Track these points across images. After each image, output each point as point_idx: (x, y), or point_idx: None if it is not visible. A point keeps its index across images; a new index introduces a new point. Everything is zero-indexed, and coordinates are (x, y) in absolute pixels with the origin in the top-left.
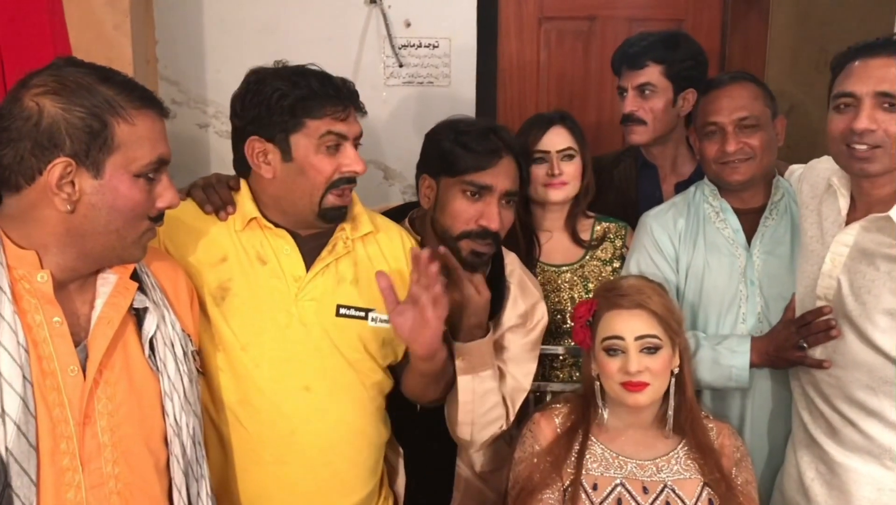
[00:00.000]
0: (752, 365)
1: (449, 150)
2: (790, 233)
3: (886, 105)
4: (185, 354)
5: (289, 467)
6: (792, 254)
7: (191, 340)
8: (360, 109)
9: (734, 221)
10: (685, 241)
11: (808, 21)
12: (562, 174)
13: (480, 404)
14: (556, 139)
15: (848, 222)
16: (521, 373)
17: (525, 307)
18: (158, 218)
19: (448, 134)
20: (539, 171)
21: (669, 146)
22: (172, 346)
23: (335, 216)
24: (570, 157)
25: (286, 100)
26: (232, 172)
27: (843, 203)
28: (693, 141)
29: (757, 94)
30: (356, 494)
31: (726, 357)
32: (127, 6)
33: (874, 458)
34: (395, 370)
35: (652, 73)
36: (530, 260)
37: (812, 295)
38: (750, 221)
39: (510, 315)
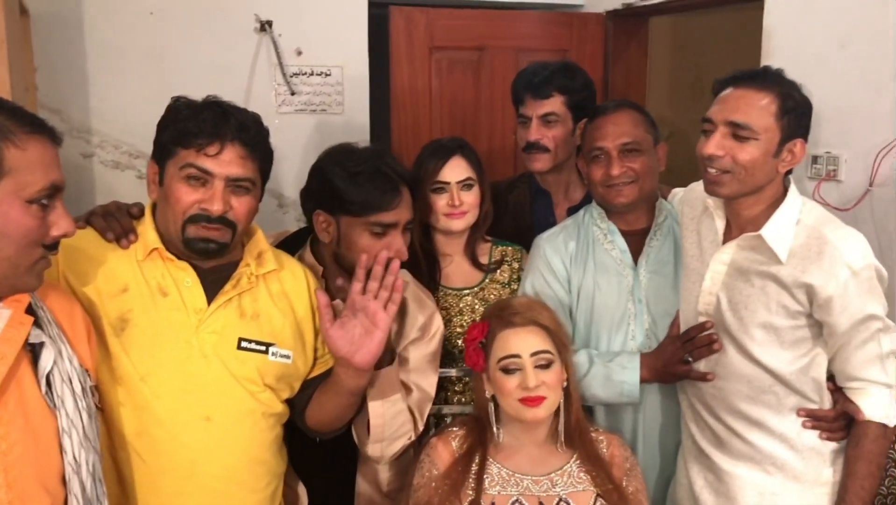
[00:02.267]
0: (643, 380)
1: (345, 191)
2: (673, 253)
3: (735, 134)
4: (83, 389)
5: (189, 499)
6: (676, 272)
7: (89, 376)
8: (254, 152)
9: (621, 243)
10: (576, 262)
11: (684, 51)
12: (462, 204)
13: (391, 425)
14: (456, 170)
15: (725, 242)
16: (426, 383)
17: (423, 319)
18: (53, 246)
19: (338, 172)
20: (440, 200)
21: (563, 173)
22: (70, 381)
23: (200, 249)
24: (470, 186)
25: (171, 126)
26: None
27: (720, 224)
28: (581, 167)
29: (639, 121)
30: None
31: (618, 373)
32: (2, 30)
33: (757, 464)
34: (293, 403)
35: (556, 103)
36: (432, 284)
37: (694, 311)
38: (636, 242)
39: (410, 329)
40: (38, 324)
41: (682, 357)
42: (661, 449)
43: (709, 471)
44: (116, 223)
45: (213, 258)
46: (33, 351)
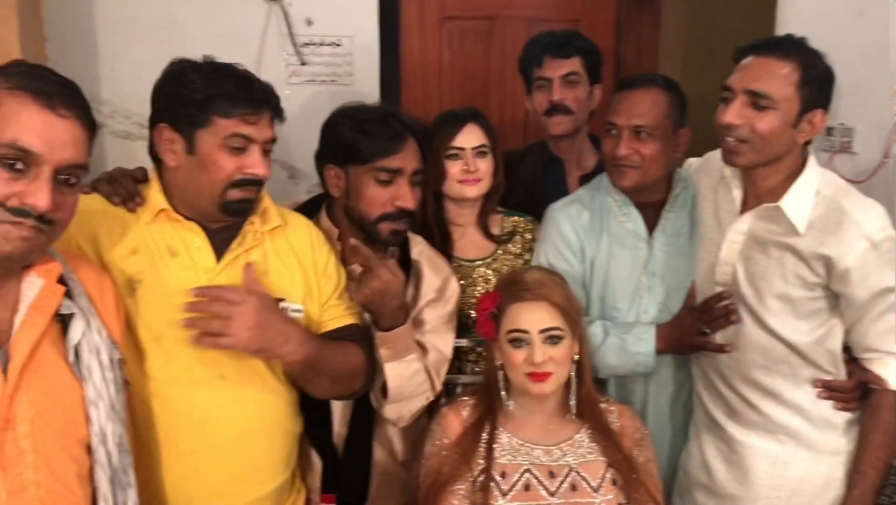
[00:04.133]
0: (658, 351)
1: (352, 139)
2: (689, 224)
3: (754, 103)
4: (111, 361)
5: (204, 457)
6: (691, 244)
7: (117, 348)
8: (278, 115)
9: (636, 215)
10: (590, 233)
11: (698, 21)
12: (477, 170)
13: (408, 385)
14: (471, 136)
15: (742, 212)
16: (442, 343)
17: (439, 282)
18: (21, 213)
19: (347, 122)
20: (454, 167)
21: (577, 140)
22: (98, 353)
23: (239, 210)
24: (484, 153)
25: (198, 95)
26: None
27: (737, 193)
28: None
29: (661, 103)
30: (270, 483)
31: (633, 344)
32: (13, 1)
33: (769, 433)
34: None
35: (576, 63)
36: (445, 254)
37: (711, 281)
38: (651, 214)
39: (427, 291)
40: (68, 294)
41: (699, 328)
42: (671, 420)
43: (721, 441)
44: (121, 187)
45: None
46: (63, 321)
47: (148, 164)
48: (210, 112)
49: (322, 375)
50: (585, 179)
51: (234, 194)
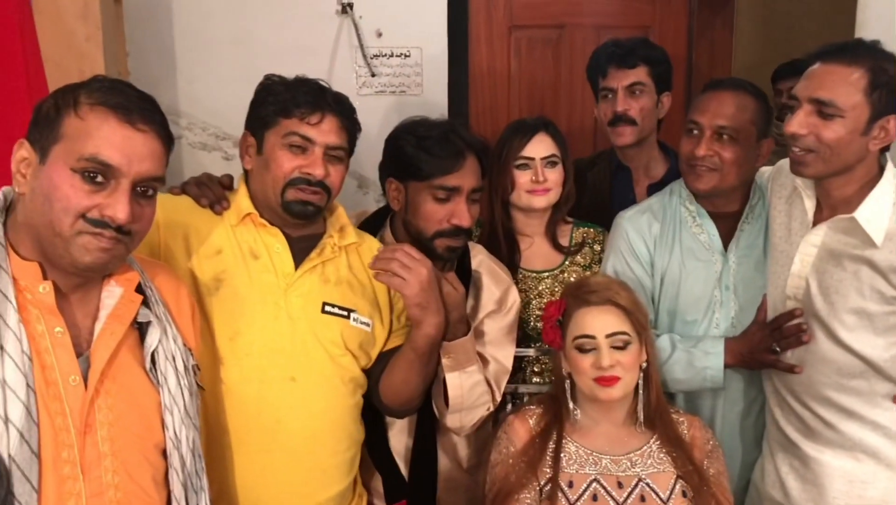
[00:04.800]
0: (726, 366)
1: (413, 156)
2: (764, 236)
3: (820, 111)
4: (185, 367)
5: (273, 456)
6: (765, 256)
7: (191, 355)
8: (348, 123)
9: (711, 227)
10: (660, 245)
11: (773, 26)
12: (546, 180)
13: (469, 396)
14: (541, 146)
15: (815, 223)
16: (502, 355)
17: (499, 293)
18: (100, 224)
19: (409, 139)
20: (523, 177)
21: (645, 148)
22: (174, 360)
23: (299, 211)
24: (554, 163)
25: (271, 99)
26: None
27: (809, 204)
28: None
29: (747, 108)
30: (336, 486)
31: (700, 359)
32: (98, 18)
33: (846, 451)
34: (368, 374)
35: (641, 73)
36: (511, 265)
37: (782, 295)
38: (726, 226)
39: (486, 302)
40: (146, 303)
41: (769, 345)
42: (742, 436)
43: (794, 457)
44: (209, 191)
45: (308, 221)
46: (140, 329)
47: (221, 173)
48: (277, 114)
49: (427, 368)
50: (654, 188)
51: (292, 194)
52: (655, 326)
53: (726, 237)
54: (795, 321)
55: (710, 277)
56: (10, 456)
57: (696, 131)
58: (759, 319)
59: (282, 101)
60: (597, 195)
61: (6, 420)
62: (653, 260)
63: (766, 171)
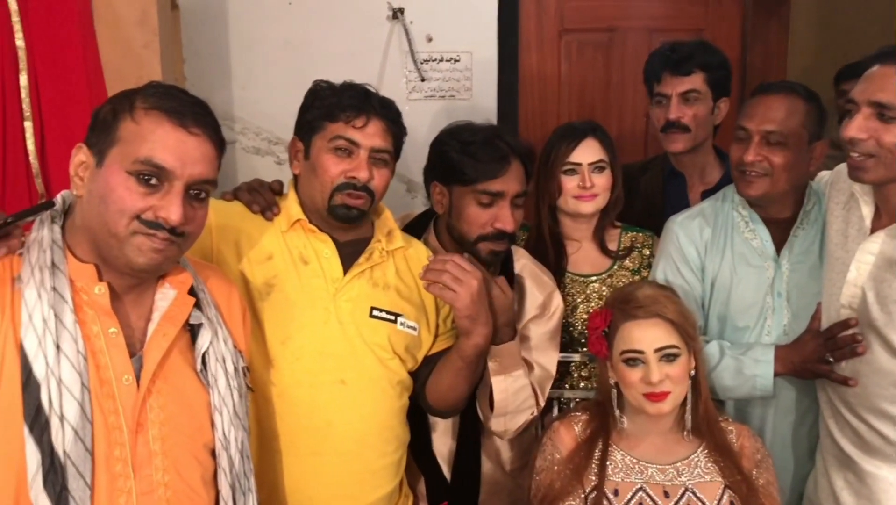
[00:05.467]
0: (776, 374)
1: (457, 161)
2: (820, 242)
3: (880, 114)
4: (235, 369)
5: (324, 458)
6: (820, 263)
7: (241, 357)
8: (393, 127)
9: (764, 232)
10: (711, 250)
11: (830, 28)
12: (593, 186)
13: (514, 400)
14: (588, 151)
15: (873, 230)
16: (546, 360)
17: (542, 297)
18: (154, 225)
19: (453, 143)
20: (570, 182)
21: (700, 155)
22: (224, 361)
23: (345, 216)
24: (602, 169)
25: (318, 104)
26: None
27: (867, 211)
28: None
29: (798, 112)
30: (384, 487)
31: (750, 367)
32: (156, 26)
33: None
34: (415, 377)
35: (696, 80)
36: (559, 269)
37: (837, 304)
38: (780, 231)
39: (530, 306)
40: (198, 305)
41: (822, 355)
42: (794, 447)
43: (849, 471)
44: (261, 197)
45: (352, 225)
46: (192, 330)
47: (273, 177)
48: (323, 118)
49: (474, 375)
50: (708, 195)
51: (339, 199)
52: (705, 332)
53: (780, 243)
54: (850, 331)
55: (762, 283)
56: (65, 452)
57: (744, 137)
58: (813, 328)
59: (328, 105)
60: (649, 201)
61: (62, 418)
62: (703, 265)
63: (824, 175)
